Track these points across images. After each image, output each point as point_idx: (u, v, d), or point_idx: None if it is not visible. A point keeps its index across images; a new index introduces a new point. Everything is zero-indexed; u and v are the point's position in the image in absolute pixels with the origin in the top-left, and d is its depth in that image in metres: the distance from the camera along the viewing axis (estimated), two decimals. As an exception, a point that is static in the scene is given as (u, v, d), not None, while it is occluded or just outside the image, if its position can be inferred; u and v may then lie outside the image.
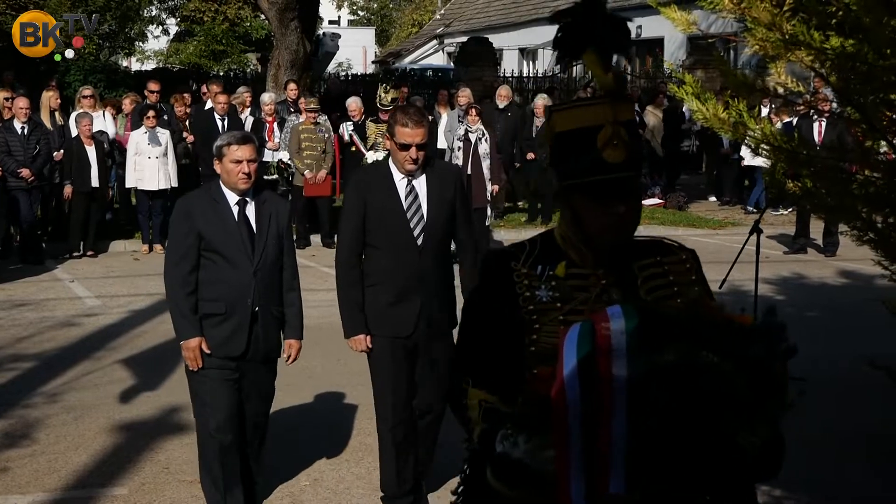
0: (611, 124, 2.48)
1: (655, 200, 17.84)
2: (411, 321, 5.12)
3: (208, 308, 4.99)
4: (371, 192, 5.12)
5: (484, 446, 2.48)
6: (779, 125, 12.78)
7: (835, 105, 5.26)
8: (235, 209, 5.03)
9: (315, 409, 7.16)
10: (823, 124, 12.93)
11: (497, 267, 2.67)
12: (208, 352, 4.99)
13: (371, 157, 11.52)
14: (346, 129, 13.74)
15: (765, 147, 4.69)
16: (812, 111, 12.40)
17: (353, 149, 13.08)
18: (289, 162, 13.99)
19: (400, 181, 5.12)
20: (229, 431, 5.11)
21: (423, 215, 5.10)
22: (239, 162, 4.93)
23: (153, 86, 14.79)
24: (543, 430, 2.30)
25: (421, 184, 5.14)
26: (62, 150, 12.88)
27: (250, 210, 5.06)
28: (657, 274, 2.64)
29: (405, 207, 5.09)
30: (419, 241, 5.09)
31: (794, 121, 14.79)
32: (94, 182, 12.76)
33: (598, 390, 2.25)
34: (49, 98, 13.68)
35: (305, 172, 13.46)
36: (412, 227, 5.08)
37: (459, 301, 5.29)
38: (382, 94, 12.01)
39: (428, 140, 5.14)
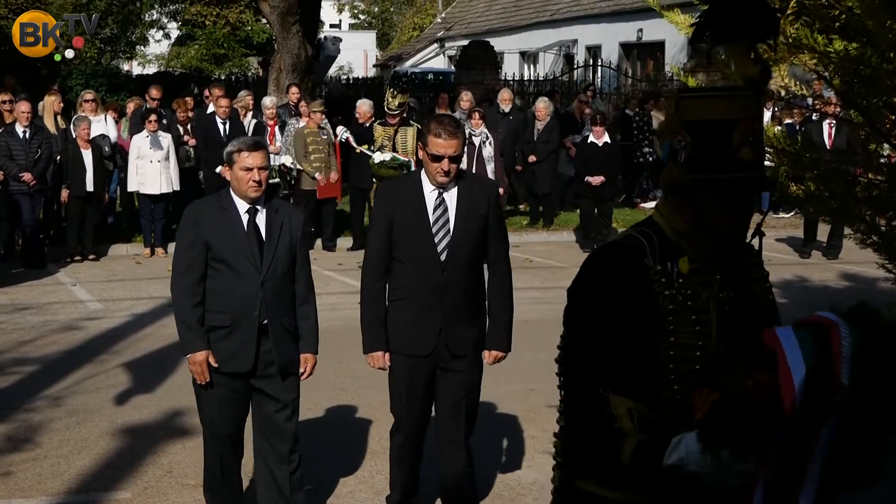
0: (749, 120, 2.32)
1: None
2: (431, 340, 4.90)
3: (213, 320, 4.82)
4: (398, 203, 4.94)
5: (641, 459, 2.29)
6: (778, 128, 12.80)
7: (839, 108, 5.26)
8: (245, 218, 4.85)
9: (317, 412, 7.15)
10: (833, 128, 12.93)
11: (628, 264, 2.46)
12: (216, 365, 4.81)
13: (378, 157, 11.49)
14: (341, 133, 13.59)
15: (768, 150, 4.69)
16: (815, 114, 12.43)
17: (358, 151, 13.05)
18: (290, 166, 13.99)
19: (430, 193, 4.91)
20: (232, 447, 5.02)
21: (449, 230, 4.87)
22: (249, 169, 4.75)
23: (155, 92, 14.79)
24: (749, 443, 2.16)
25: (451, 197, 4.91)
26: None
27: (261, 219, 4.87)
28: (762, 273, 2.55)
29: (431, 221, 4.87)
30: (443, 257, 4.87)
31: (798, 124, 14.82)
32: (90, 186, 12.73)
33: (820, 400, 2.13)
34: (52, 102, 13.69)
35: (316, 175, 13.45)
36: (436, 241, 4.87)
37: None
38: (390, 99, 11.94)
39: (461, 152, 4.90)
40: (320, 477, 5.98)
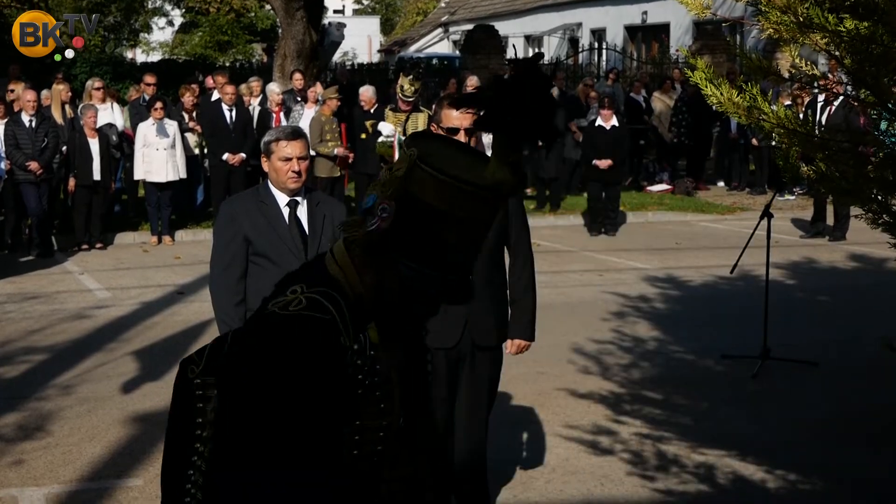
0: (480, 225, 2.18)
1: (664, 186, 17.83)
2: (456, 331, 4.70)
3: None
4: None
5: None
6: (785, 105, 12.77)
7: (847, 88, 5.23)
8: (286, 210, 4.66)
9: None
10: (833, 106, 12.89)
11: (322, 348, 2.12)
12: None
13: (381, 137, 11.41)
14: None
15: (779, 130, 4.67)
16: (822, 94, 12.39)
17: (363, 136, 12.94)
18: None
19: None
20: None
21: None
22: (288, 159, 4.57)
23: (149, 78, 14.76)
24: None
25: None
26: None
27: (302, 211, 4.69)
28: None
29: None
30: None
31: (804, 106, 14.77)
32: (96, 175, 12.73)
33: None
34: (60, 91, 13.67)
35: (337, 150, 13.35)
36: None
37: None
38: (406, 85, 11.72)
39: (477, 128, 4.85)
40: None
